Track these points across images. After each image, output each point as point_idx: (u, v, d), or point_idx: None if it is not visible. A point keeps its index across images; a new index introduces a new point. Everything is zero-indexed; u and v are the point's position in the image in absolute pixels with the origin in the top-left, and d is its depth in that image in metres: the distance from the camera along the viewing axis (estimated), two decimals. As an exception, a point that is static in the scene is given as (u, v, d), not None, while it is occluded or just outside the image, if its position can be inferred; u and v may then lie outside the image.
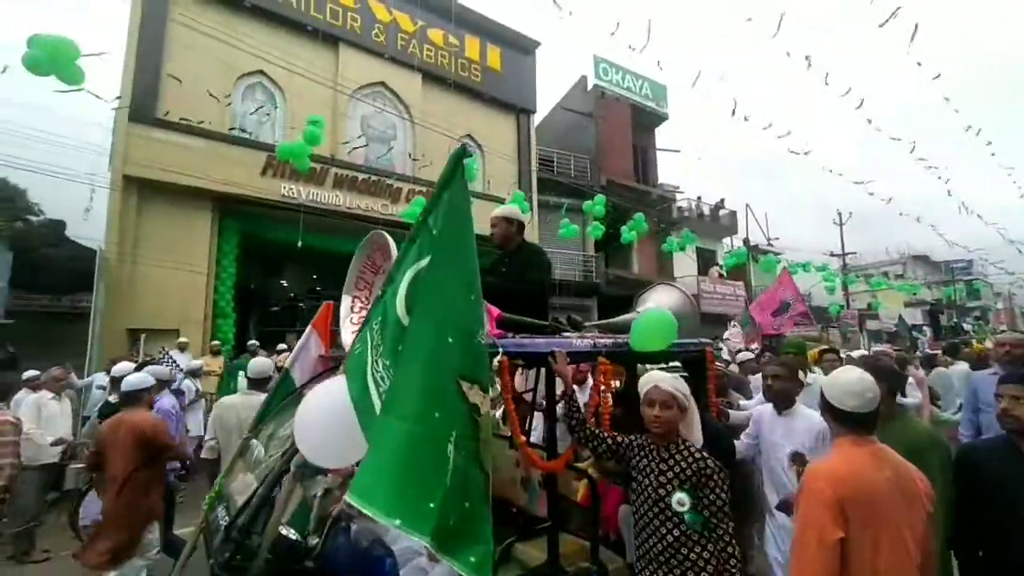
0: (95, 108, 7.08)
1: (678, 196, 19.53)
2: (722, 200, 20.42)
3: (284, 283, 15.61)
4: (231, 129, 9.73)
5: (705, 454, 1.96)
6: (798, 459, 2.57)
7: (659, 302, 3.12)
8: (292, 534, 2.13)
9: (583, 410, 2.29)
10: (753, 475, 2.95)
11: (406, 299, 1.71)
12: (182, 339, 8.17)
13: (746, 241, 19.06)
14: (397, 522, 1.26)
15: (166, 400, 4.66)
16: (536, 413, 3.63)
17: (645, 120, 18.21)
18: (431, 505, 1.30)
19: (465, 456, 1.42)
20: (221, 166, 9.24)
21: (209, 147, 9.25)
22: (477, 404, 1.50)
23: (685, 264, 17.76)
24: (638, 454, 2.06)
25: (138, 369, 4.36)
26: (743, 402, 3.93)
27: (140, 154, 8.59)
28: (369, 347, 1.77)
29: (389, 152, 11.91)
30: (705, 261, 19.08)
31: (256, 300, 14.57)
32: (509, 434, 3.66)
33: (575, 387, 2.50)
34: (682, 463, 1.93)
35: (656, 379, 2.04)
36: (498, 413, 3.43)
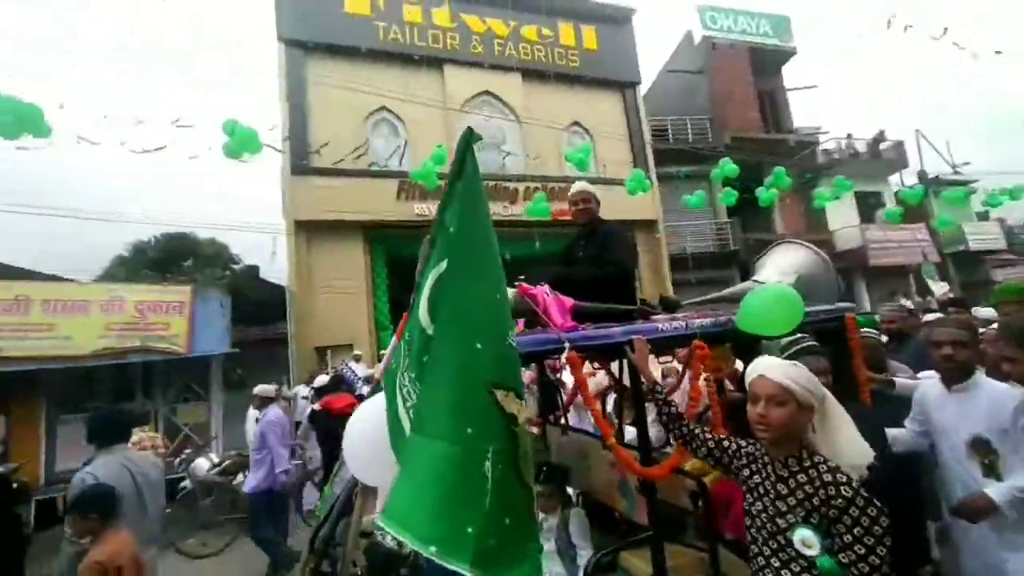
0: (271, 170, 8.61)
1: (822, 138, 17.08)
2: (881, 132, 17.35)
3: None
4: (370, 165, 11.01)
5: (845, 475, 1.39)
6: (979, 447, 2.06)
7: (781, 265, 2.66)
8: (388, 541, 2.09)
9: (677, 405, 1.95)
10: (929, 470, 2.36)
11: (429, 305, 1.59)
12: (356, 351, 9.50)
13: (922, 175, 15.95)
14: (433, 549, 1.18)
15: (271, 412, 4.99)
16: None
17: (768, 61, 16.28)
18: (469, 530, 1.20)
19: (504, 471, 1.31)
20: (364, 198, 10.51)
21: (352, 183, 10.58)
22: (514, 414, 1.36)
23: (842, 214, 15.49)
24: (749, 466, 1.60)
25: (331, 380, 5.21)
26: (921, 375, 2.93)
27: (303, 200, 10.17)
28: (400, 361, 1.68)
29: (501, 156, 12.39)
30: (869, 207, 16.42)
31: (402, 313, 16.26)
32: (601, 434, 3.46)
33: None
34: (807, 486, 1.40)
35: (762, 367, 1.55)
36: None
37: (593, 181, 12.24)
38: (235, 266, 17.36)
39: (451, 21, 12.18)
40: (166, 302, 7.88)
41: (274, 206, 12.13)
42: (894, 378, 2.71)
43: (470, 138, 1.56)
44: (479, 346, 1.39)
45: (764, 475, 1.53)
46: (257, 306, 10.31)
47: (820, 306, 2.44)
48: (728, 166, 9.75)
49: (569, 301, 2.16)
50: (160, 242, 19.22)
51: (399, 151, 11.54)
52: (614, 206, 12.33)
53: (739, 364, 3.06)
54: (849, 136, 17.30)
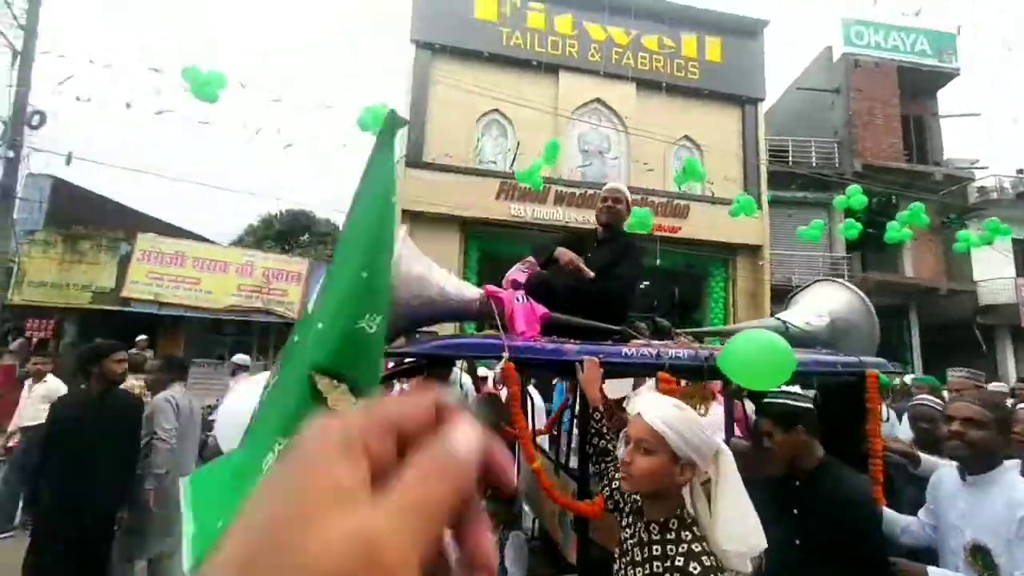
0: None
1: (978, 173, 14.87)
2: (1058, 172, 14.71)
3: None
4: (481, 163, 11.52)
5: (711, 562, 1.13)
6: (978, 555, 1.69)
7: (814, 305, 2.46)
8: None
9: (611, 440, 1.76)
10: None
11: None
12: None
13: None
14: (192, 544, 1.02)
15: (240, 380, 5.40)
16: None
17: (921, 82, 14.50)
18: (219, 524, 1.06)
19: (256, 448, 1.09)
20: (464, 195, 11.01)
21: (456, 180, 11.13)
22: (330, 404, 1.18)
23: (993, 263, 13.40)
24: (628, 518, 1.39)
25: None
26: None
27: (412, 192, 10.88)
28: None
29: (604, 164, 12.31)
30: (1028, 257, 14.03)
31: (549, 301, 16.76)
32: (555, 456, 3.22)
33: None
34: (658, 563, 1.18)
35: (641, 404, 1.30)
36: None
37: (698, 199, 11.84)
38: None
39: (572, 28, 12.31)
40: (287, 271, 8.90)
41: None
42: (919, 453, 2.33)
43: (394, 120, 1.54)
44: (320, 326, 1.28)
45: (632, 533, 1.33)
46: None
47: (840, 356, 2.22)
48: (856, 196, 8.87)
49: (541, 310, 2.06)
50: (285, 217, 21.50)
51: (505, 152, 11.92)
52: (717, 226, 11.81)
53: (750, 407, 2.74)
54: (1020, 172, 14.84)
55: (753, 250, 12.50)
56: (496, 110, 11.80)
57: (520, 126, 11.85)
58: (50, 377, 4.90)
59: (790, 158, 13.78)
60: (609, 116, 12.47)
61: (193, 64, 5.51)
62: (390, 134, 1.55)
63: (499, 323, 1.99)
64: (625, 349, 2.02)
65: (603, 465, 1.71)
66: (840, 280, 2.63)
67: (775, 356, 1.86)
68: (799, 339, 2.29)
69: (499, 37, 11.89)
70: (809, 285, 2.71)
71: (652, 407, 1.27)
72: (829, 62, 14.88)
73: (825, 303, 2.45)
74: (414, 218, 11.07)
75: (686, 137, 12.72)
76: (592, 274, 2.29)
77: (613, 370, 2.03)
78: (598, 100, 12.36)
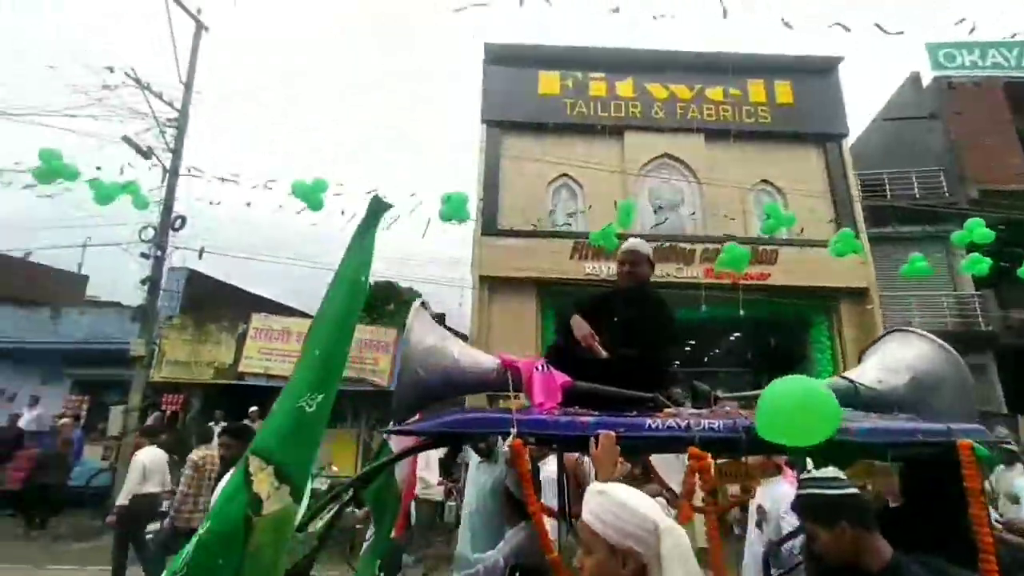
0: (459, 231, 10.04)
1: None
2: None
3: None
4: (554, 225, 11.87)
5: None
6: None
7: (888, 362, 2.08)
8: None
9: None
10: None
11: None
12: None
13: None
14: None
15: None
16: None
17: (1037, 97, 13.05)
18: None
19: (204, 559, 1.09)
20: (541, 257, 11.28)
21: (531, 244, 11.47)
22: (258, 495, 1.12)
23: None
24: None
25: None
26: None
27: (488, 258, 11.35)
28: None
29: (679, 217, 12.13)
30: None
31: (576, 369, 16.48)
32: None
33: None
34: None
35: (588, 496, 1.15)
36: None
37: (785, 243, 11.18)
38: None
39: (633, 91, 12.72)
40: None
41: (460, 262, 13.78)
42: None
43: (378, 206, 1.58)
44: (275, 407, 1.30)
45: None
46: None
47: (922, 423, 1.80)
48: (979, 228, 7.88)
49: (562, 379, 1.93)
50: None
51: (576, 214, 12.19)
52: (812, 271, 10.98)
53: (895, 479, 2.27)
54: None
55: (858, 294, 11.39)
56: (565, 175, 12.23)
57: (589, 187, 12.13)
58: (147, 450, 5.41)
59: (887, 192, 12.73)
60: (679, 169, 12.43)
61: (299, 179, 6.65)
62: (374, 217, 1.63)
63: (514, 394, 1.90)
64: (649, 421, 1.78)
65: None
66: (915, 329, 2.23)
67: (807, 399, 1.59)
68: (870, 403, 1.97)
69: (563, 108, 12.55)
70: (882, 337, 2.33)
71: (587, 502, 1.15)
72: (918, 88, 13.96)
73: (902, 357, 2.08)
74: (492, 283, 11.46)
75: (764, 181, 12.29)
76: (605, 354, 2.13)
77: (636, 446, 1.83)
78: (666, 155, 12.42)
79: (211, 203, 9.25)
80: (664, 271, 11.23)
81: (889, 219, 12.05)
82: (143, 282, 9.47)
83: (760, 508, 3.03)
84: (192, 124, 10.26)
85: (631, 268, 2.48)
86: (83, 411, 10.41)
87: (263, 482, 1.18)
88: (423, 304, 2.23)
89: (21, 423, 9.41)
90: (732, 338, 14.87)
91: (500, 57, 12.77)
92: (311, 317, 11.46)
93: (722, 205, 11.67)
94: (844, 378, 2.14)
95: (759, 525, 3.09)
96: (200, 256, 9.85)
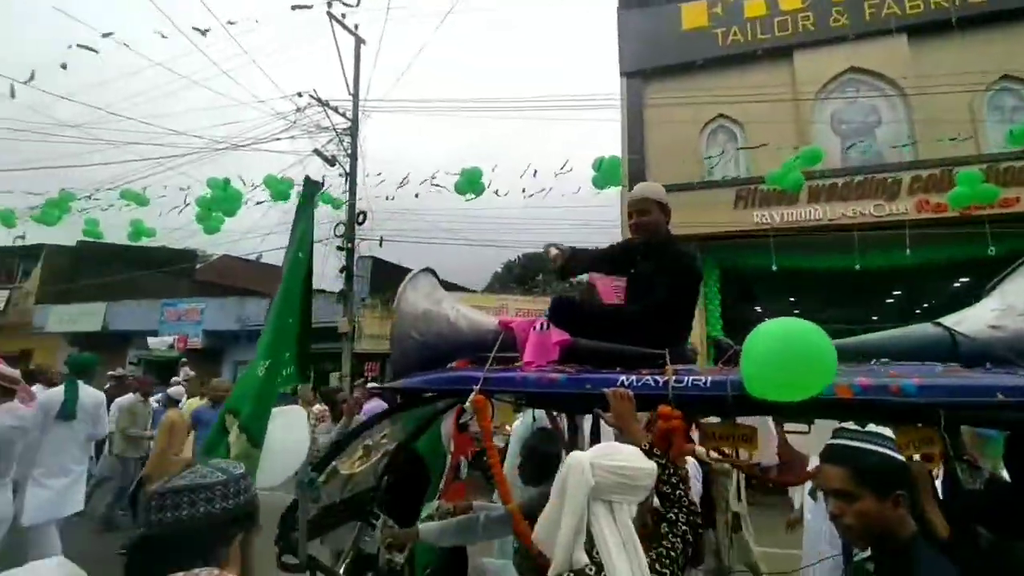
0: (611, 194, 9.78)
1: None
2: None
3: (758, 309, 15.62)
4: (711, 174, 10.85)
5: None
6: None
7: (1013, 300, 1.65)
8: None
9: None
10: None
11: None
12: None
13: None
14: None
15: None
16: None
17: None
18: None
19: None
20: (697, 212, 10.32)
21: (685, 198, 10.55)
22: (229, 443, 1.48)
23: None
24: None
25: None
26: None
27: (639, 219, 10.84)
28: None
29: (874, 141, 10.00)
30: None
31: (735, 328, 15.14)
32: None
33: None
34: None
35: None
36: None
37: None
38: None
39: (802, 1, 10.68)
40: (534, 309, 9.85)
41: (613, 225, 13.41)
42: None
43: (311, 189, 1.99)
44: (242, 373, 1.68)
45: None
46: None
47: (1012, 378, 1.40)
48: None
49: (560, 337, 1.88)
50: (522, 261, 24.09)
51: (738, 157, 10.88)
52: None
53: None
54: None
55: None
56: (721, 115, 10.96)
57: (752, 125, 10.67)
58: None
59: None
60: (872, 83, 10.18)
61: (461, 175, 7.30)
62: (308, 198, 1.97)
63: (496, 354, 1.91)
64: (623, 377, 1.68)
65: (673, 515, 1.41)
66: None
67: (789, 344, 1.35)
68: (973, 355, 1.60)
69: (713, 40, 11.15)
70: (1015, 268, 1.78)
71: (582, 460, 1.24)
72: None
73: None
74: (644, 245, 10.96)
75: (1005, 77, 9.37)
76: (560, 262, 2.20)
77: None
78: (853, 68, 10.25)
79: (387, 198, 10.51)
80: (855, 210, 9.43)
81: None
82: (341, 271, 11.32)
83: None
84: (365, 129, 11.73)
85: (638, 218, 2.22)
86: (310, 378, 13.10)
87: (232, 431, 1.56)
88: (428, 269, 2.35)
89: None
90: (957, 284, 11.98)
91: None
92: (472, 291, 12.45)
93: (938, 119, 9.24)
94: (939, 324, 1.74)
95: (812, 495, 2.93)
96: (380, 244, 11.34)
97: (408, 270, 2.59)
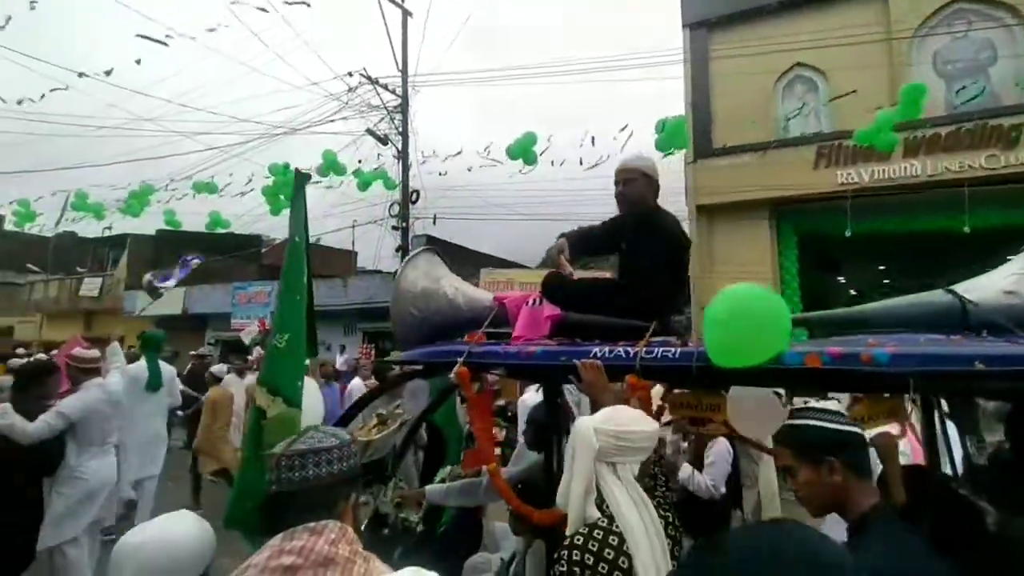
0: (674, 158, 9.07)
1: None
2: None
3: (841, 280, 14.35)
4: (787, 131, 9.89)
5: None
6: None
7: None
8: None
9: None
10: None
11: None
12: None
13: None
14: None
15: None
16: None
17: None
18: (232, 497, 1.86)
19: (249, 460, 1.75)
20: (772, 173, 9.47)
21: (758, 159, 9.71)
22: (262, 407, 1.75)
23: None
24: None
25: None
26: None
27: (705, 184, 10.07)
28: None
29: (988, 81, 8.67)
30: None
31: (816, 300, 14.03)
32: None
33: None
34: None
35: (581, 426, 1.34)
36: None
37: None
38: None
39: (899, -80, 9.27)
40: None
41: (674, 192, 12.59)
42: None
43: (302, 180, 2.28)
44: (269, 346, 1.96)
45: None
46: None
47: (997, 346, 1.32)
48: None
49: (551, 311, 1.98)
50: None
51: (813, 109, 9.80)
52: None
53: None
54: None
55: None
56: (798, 64, 9.86)
57: (834, 74, 9.54)
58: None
59: None
60: (986, 12, 8.76)
61: (512, 143, 7.05)
62: (299, 188, 2.24)
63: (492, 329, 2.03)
64: (596, 349, 1.76)
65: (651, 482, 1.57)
66: None
67: (746, 307, 1.42)
68: (984, 323, 1.49)
69: (790, -22, 9.96)
70: None
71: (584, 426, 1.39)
72: None
73: None
74: (711, 212, 10.21)
75: None
76: (570, 269, 2.14)
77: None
78: (962, -1, 8.86)
79: (440, 174, 10.34)
80: (963, 163, 8.26)
81: None
82: (396, 251, 11.33)
83: None
84: (416, 105, 11.54)
85: (621, 188, 2.19)
86: (372, 356, 13.34)
87: (263, 399, 1.77)
88: (430, 249, 2.53)
89: (337, 365, 12.58)
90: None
91: (697, -60, 10.75)
92: (528, 268, 12.21)
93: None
94: (950, 291, 1.65)
95: None
96: (434, 222, 11.25)
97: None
